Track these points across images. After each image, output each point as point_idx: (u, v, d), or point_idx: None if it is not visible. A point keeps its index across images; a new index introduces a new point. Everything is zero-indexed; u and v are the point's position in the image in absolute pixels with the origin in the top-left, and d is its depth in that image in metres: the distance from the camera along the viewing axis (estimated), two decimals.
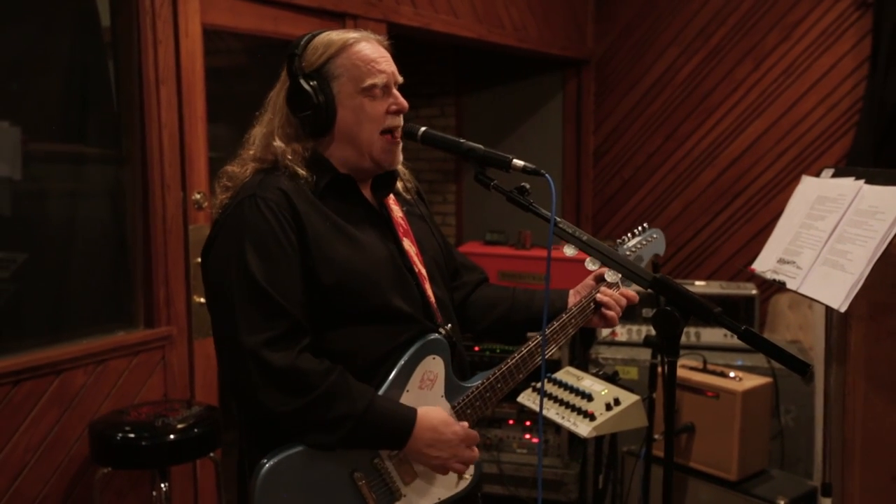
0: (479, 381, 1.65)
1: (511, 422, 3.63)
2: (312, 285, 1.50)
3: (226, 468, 2.68)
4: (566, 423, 2.54)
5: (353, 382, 1.49)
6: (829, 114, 4.31)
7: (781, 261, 2.18)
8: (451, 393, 1.63)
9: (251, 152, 1.61)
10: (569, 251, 1.54)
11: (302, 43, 1.59)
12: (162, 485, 2.47)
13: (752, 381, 2.82)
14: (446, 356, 1.62)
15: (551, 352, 1.75)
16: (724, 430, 2.74)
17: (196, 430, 2.41)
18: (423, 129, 1.62)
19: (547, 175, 1.47)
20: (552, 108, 5.28)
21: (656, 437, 2.82)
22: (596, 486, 2.83)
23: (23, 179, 2.56)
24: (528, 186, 1.54)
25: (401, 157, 1.65)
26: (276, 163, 1.57)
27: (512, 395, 2.10)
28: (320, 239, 1.51)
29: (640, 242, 1.87)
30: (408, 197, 1.78)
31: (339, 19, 3.37)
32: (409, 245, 1.66)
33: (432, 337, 1.60)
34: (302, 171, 1.55)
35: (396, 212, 1.71)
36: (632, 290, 1.81)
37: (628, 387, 2.67)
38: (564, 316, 1.73)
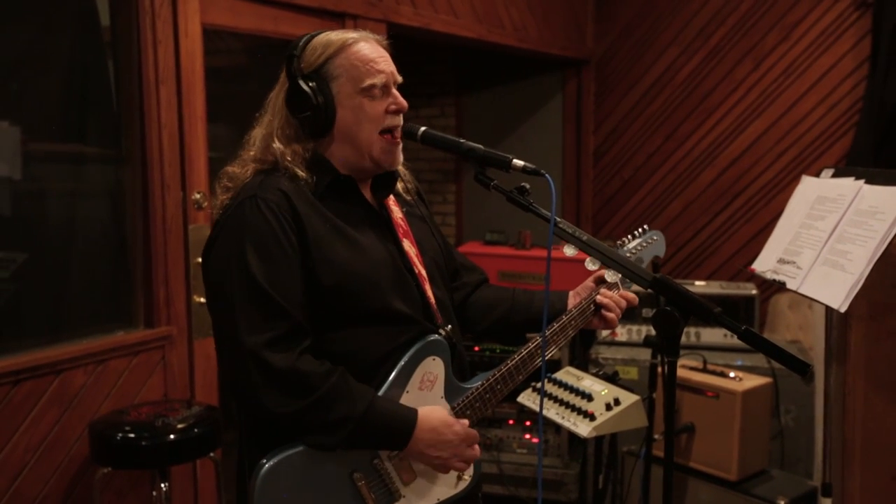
0: (479, 383, 1.65)
1: (511, 422, 3.63)
2: (312, 287, 1.50)
3: (226, 468, 2.68)
4: (566, 423, 2.54)
5: (353, 384, 1.48)
6: (829, 114, 4.31)
7: (781, 261, 2.18)
8: (450, 394, 1.63)
9: (251, 153, 1.61)
10: (569, 251, 1.54)
11: (300, 44, 1.59)
12: (162, 485, 2.47)
13: (752, 381, 2.82)
14: (446, 357, 1.62)
15: (551, 353, 1.75)
16: (724, 430, 2.74)
17: (196, 430, 2.41)
18: (422, 129, 1.62)
19: (547, 175, 1.47)
20: (552, 108, 5.28)
21: (656, 437, 2.82)
22: (596, 486, 2.83)
23: (23, 179, 2.56)
24: (528, 186, 1.55)
25: (401, 158, 1.65)
26: (277, 164, 1.56)
27: (512, 396, 2.10)
28: (320, 240, 1.51)
29: (641, 244, 1.87)
30: (408, 198, 1.78)
31: (339, 19, 3.37)
32: (409, 246, 1.66)
33: (432, 338, 1.60)
34: (302, 173, 1.55)
35: (396, 213, 1.70)
36: (632, 292, 1.81)
37: (628, 387, 2.67)
38: (564, 317, 1.73)
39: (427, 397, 1.59)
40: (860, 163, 3.94)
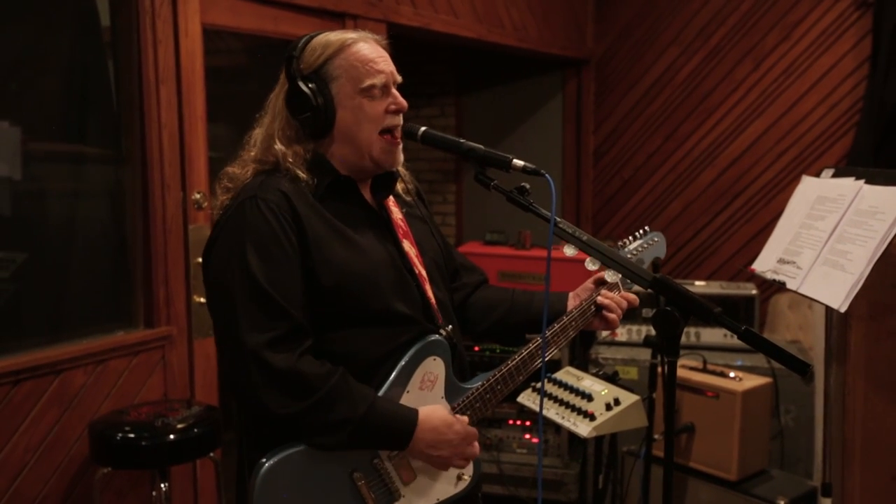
0: (480, 383, 1.65)
1: (511, 422, 3.63)
2: (312, 287, 1.50)
3: (226, 468, 2.68)
4: (566, 423, 2.54)
5: (354, 385, 1.48)
6: (829, 114, 4.31)
7: (781, 261, 2.18)
8: (451, 394, 1.63)
9: (252, 154, 1.61)
10: (569, 251, 1.54)
11: (300, 45, 1.59)
12: (162, 485, 2.47)
13: (752, 381, 2.82)
14: (447, 357, 1.62)
15: (551, 354, 1.75)
16: (724, 430, 2.74)
17: (196, 430, 2.41)
18: (422, 128, 1.62)
19: (547, 175, 1.47)
20: (552, 108, 5.28)
21: (656, 437, 2.82)
22: (596, 486, 2.83)
23: (23, 179, 2.56)
24: (528, 186, 1.55)
25: (401, 158, 1.65)
26: (277, 164, 1.57)
27: (512, 396, 2.10)
28: (320, 241, 1.51)
29: (642, 245, 1.87)
30: (407, 198, 1.78)
31: (339, 19, 3.37)
32: (408, 246, 1.66)
33: (433, 338, 1.60)
34: (303, 175, 1.55)
35: (396, 213, 1.70)
36: (632, 293, 1.81)
37: (628, 387, 2.67)
38: (565, 318, 1.73)
39: (427, 397, 1.59)
40: (860, 163, 3.94)
